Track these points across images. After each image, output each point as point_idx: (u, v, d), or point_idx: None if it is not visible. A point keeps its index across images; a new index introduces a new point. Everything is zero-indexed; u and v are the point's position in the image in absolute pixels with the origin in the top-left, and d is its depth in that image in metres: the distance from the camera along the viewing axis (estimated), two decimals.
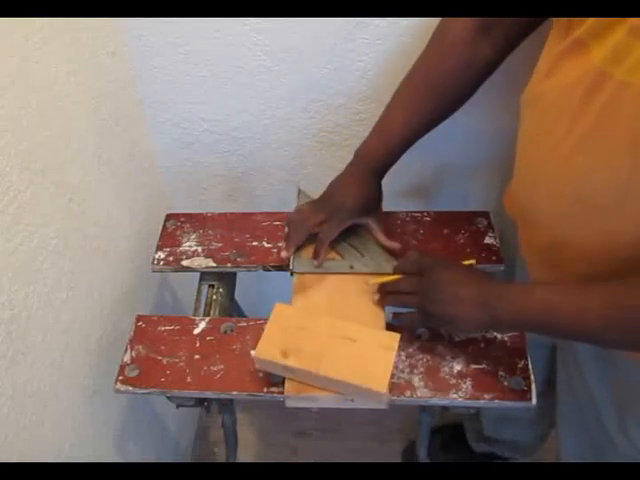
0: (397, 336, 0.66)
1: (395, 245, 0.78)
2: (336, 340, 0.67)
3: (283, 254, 0.78)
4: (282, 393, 0.67)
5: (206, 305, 0.83)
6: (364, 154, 0.76)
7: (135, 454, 0.99)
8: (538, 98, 0.60)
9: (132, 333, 0.75)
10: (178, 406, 0.77)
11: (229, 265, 0.83)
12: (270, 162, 1.01)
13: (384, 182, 0.78)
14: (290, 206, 0.86)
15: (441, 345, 0.71)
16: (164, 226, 0.90)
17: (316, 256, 0.76)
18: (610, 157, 0.52)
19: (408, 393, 0.67)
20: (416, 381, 0.68)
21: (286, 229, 0.81)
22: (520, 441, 1.16)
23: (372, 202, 0.77)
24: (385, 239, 0.78)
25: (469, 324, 0.63)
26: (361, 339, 0.67)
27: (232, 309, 0.90)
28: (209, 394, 0.71)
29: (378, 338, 0.67)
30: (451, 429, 1.31)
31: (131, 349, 0.74)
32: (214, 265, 0.83)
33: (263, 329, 0.68)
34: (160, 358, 0.72)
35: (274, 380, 0.69)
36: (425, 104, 0.72)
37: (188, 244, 0.86)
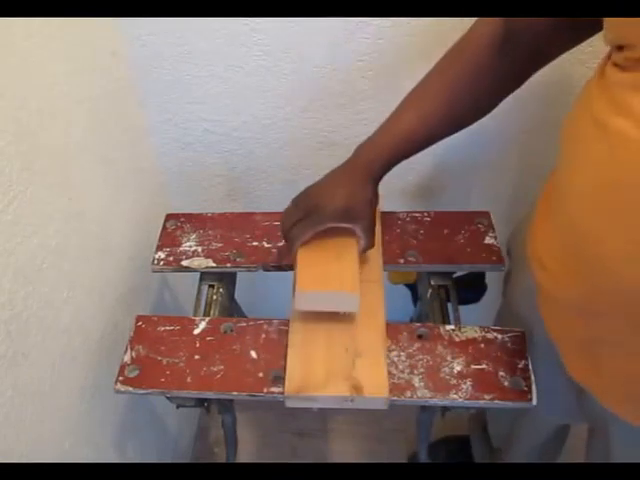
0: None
1: None
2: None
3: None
4: (282, 393, 0.67)
5: (206, 305, 0.83)
6: (365, 150, 0.68)
7: (135, 454, 0.99)
8: (607, 132, 0.46)
9: (132, 333, 0.75)
10: (178, 406, 0.77)
11: (229, 265, 0.83)
12: (270, 162, 1.01)
13: (384, 182, 0.76)
14: None
15: (441, 345, 0.71)
16: (164, 226, 0.90)
17: (279, 258, 0.69)
18: None
19: (408, 393, 0.67)
20: (416, 381, 0.68)
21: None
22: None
23: (360, 206, 0.67)
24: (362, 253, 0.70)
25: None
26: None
27: (232, 309, 0.90)
28: (209, 394, 0.71)
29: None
30: (456, 442, 1.28)
31: (131, 349, 0.74)
32: (214, 265, 0.83)
33: (263, 329, 0.68)
34: (160, 358, 0.72)
35: (275, 378, 0.69)
36: (443, 106, 0.65)
37: (188, 244, 0.86)
